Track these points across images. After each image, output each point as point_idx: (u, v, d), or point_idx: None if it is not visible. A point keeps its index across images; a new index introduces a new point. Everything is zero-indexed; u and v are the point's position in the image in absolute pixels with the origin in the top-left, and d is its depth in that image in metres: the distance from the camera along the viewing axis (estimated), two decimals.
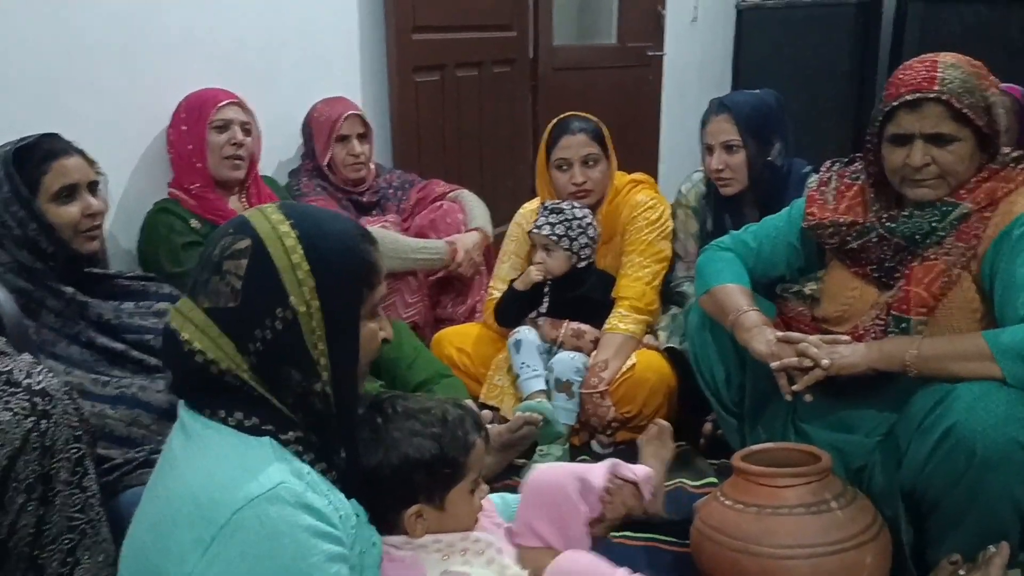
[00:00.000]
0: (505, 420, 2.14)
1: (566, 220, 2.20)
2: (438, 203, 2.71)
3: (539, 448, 2.07)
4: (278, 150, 2.70)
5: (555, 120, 2.35)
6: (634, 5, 4.43)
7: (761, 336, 1.62)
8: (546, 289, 2.27)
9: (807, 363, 1.54)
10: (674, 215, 2.39)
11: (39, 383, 1.28)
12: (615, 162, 2.35)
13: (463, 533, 1.26)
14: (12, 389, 1.25)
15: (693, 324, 1.87)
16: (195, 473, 1.00)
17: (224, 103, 2.22)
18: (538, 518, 1.33)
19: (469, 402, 2.14)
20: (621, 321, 2.21)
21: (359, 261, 1.06)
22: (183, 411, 1.06)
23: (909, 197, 1.58)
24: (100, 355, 1.71)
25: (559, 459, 2.06)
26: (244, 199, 2.32)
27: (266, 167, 2.59)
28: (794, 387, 1.56)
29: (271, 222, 1.04)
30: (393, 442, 1.21)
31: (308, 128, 2.65)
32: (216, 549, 0.95)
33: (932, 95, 1.49)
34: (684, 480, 2.02)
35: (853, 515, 1.42)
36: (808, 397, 1.55)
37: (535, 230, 2.22)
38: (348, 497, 1.10)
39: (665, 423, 1.71)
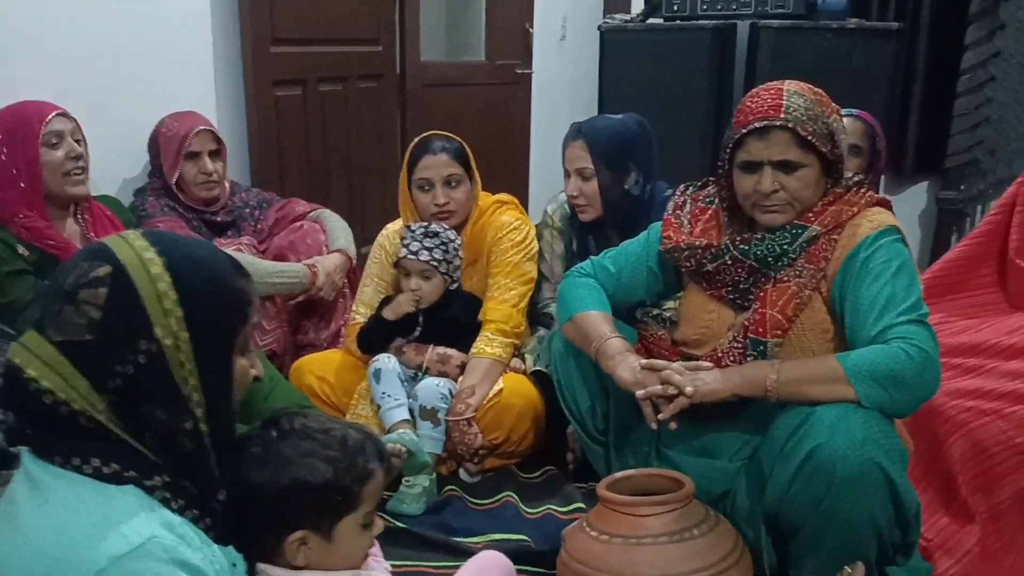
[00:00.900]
0: None
1: (443, 244, 2.14)
2: (298, 223, 2.60)
3: (405, 480, 1.99)
4: (122, 167, 2.53)
5: (416, 140, 2.29)
6: (502, 22, 4.44)
7: (625, 364, 1.61)
8: (420, 317, 2.19)
9: (671, 391, 1.53)
10: (540, 235, 2.37)
11: None
12: (479, 183, 2.32)
13: (351, 573, 1.18)
14: None
15: (557, 352, 1.85)
16: (46, 529, 0.89)
17: (52, 115, 2.03)
18: None
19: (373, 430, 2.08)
20: (488, 345, 2.17)
21: (232, 292, 1.01)
22: (28, 460, 0.94)
23: (759, 222, 1.61)
24: None
25: (427, 489, 1.99)
26: (82, 219, 2.14)
27: (108, 186, 2.43)
28: (660, 416, 1.55)
29: (135, 248, 0.96)
30: (284, 461, 1.13)
31: (155, 144, 2.49)
32: None
33: (779, 123, 1.52)
34: (552, 507, 1.99)
35: (714, 541, 1.42)
36: (673, 425, 1.55)
37: (410, 256, 2.13)
38: (226, 543, 1.02)
39: None
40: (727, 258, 1.62)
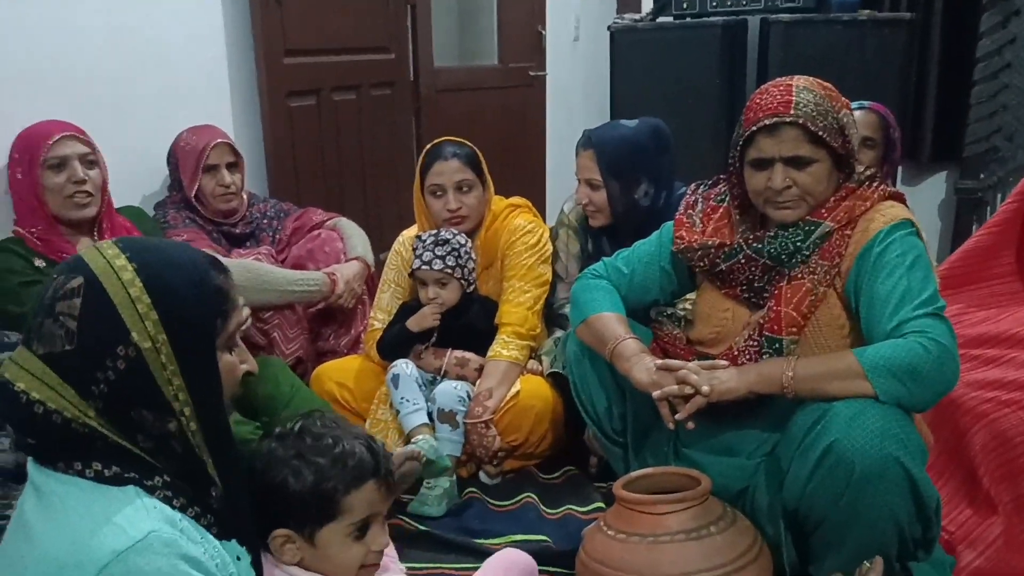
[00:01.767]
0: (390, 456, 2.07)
1: (454, 251, 2.16)
2: (315, 232, 2.63)
3: (425, 482, 2.01)
4: (141, 181, 2.56)
5: (428, 146, 2.31)
6: (514, 25, 4.45)
7: (641, 365, 1.61)
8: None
9: (688, 390, 1.53)
10: (555, 235, 2.38)
11: None
12: (492, 187, 2.33)
13: None
14: None
15: (572, 354, 1.86)
16: (54, 534, 0.92)
17: (57, 137, 2.03)
18: None
19: (391, 446, 2.10)
20: (504, 348, 2.19)
21: (208, 290, 1.01)
22: (33, 470, 0.97)
23: (772, 218, 1.61)
24: None
25: (447, 491, 2.01)
26: (98, 237, 2.15)
27: (128, 200, 2.45)
28: (677, 416, 1.55)
29: (106, 257, 0.98)
30: (273, 461, 1.17)
31: (174, 158, 2.53)
32: None
33: (789, 119, 1.52)
34: (572, 507, 2.00)
35: (733, 538, 1.43)
36: (690, 425, 1.55)
37: (424, 267, 2.16)
38: (228, 538, 1.04)
39: None
40: (741, 257, 1.63)
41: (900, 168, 3.53)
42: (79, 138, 2.06)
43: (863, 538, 1.43)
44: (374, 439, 1.26)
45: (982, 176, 3.69)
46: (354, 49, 3.30)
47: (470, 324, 2.23)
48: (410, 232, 2.41)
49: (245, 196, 2.63)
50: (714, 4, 3.30)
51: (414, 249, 2.20)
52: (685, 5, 3.34)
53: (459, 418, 2.10)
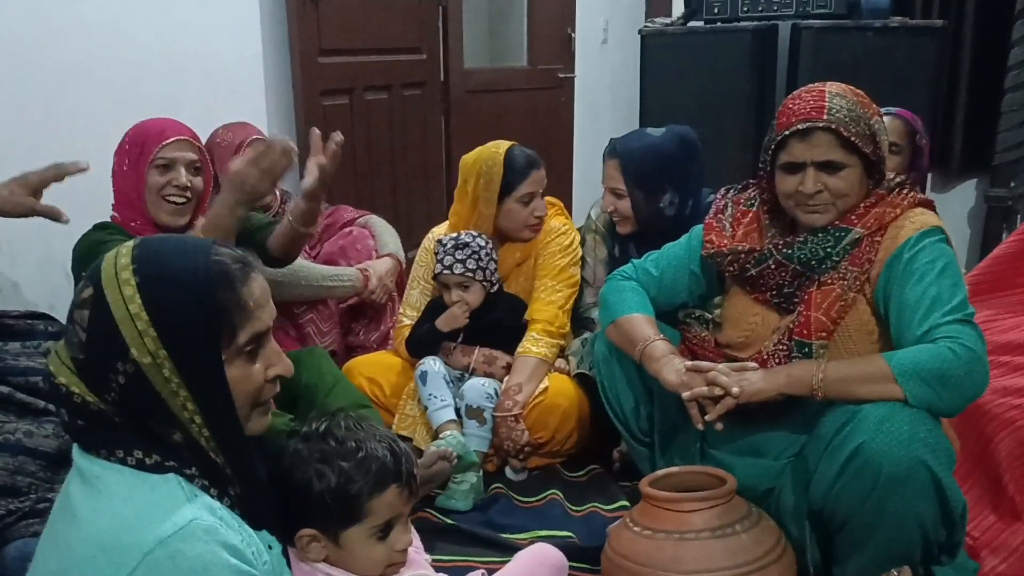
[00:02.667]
0: (419, 450, 2.11)
1: (474, 254, 2.20)
2: (347, 229, 2.67)
3: (453, 477, 2.04)
4: None
5: (513, 153, 2.27)
6: (544, 27, 4.49)
7: (671, 366, 1.64)
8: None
9: (717, 392, 1.55)
10: (583, 240, 2.40)
11: None
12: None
13: None
14: None
15: (600, 354, 1.88)
16: (98, 518, 0.95)
17: (171, 140, 1.96)
18: None
19: (419, 441, 2.12)
20: (534, 345, 2.21)
21: (210, 305, 0.98)
22: (78, 456, 1.01)
23: (802, 222, 1.63)
24: None
25: (474, 486, 2.04)
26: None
27: None
28: (706, 417, 1.57)
29: (116, 267, 0.98)
30: (301, 461, 1.18)
31: (209, 154, 2.57)
32: None
33: (821, 124, 1.54)
34: (597, 504, 2.03)
35: (758, 537, 1.44)
36: (719, 426, 1.57)
37: (445, 272, 2.19)
38: (258, 528, 1.07)
39: None
40: (770, 262, 1.64)
41: (930, 176, 3.52)
42: (191, 143, 2.01)
43: (888, 540, 1.44)
44: (398, 441, 1.27)
45: (1012, 185, 3.67)
46: (386, 50, 3.35)
47: (497, 322, 2.26)
48: (439, 230, 2.44)
49: (278, 192, 2.67)
50: (745, 9, 3.31)
51: (435, 253, 2.24)
52: (716, 9, 3.35)
53: (486, 414, 2.13)
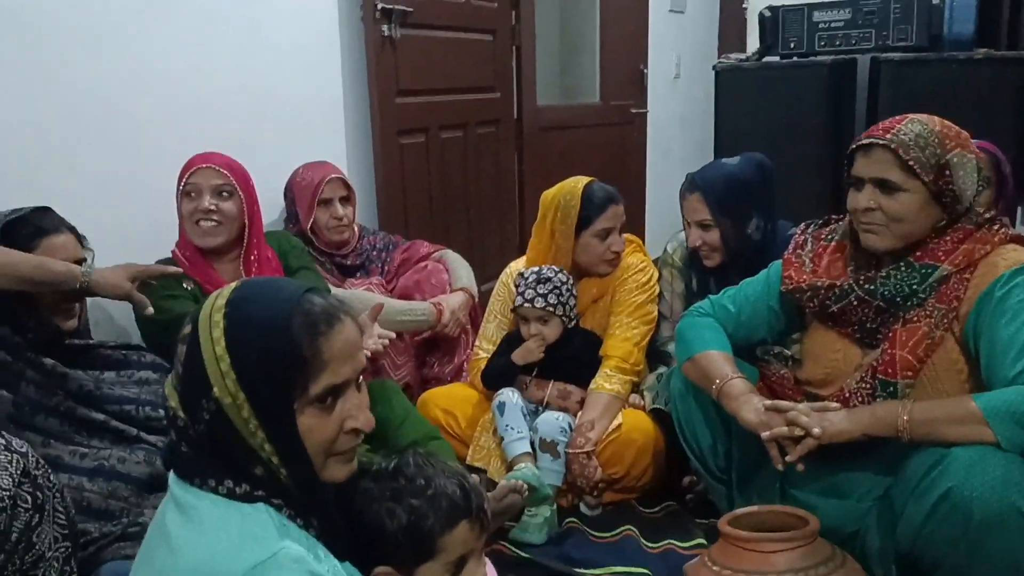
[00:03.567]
0: (493, 482, 2.11)
1: (556, 288, 2.21)
2: (423, 264, 2.72)
3: (527, 510, 2.04)
4: (267, 217, 2.71)
5: (591, 187, 2.31)
6: (616, 64, 4.52)
7: (749, 405, 1.61)
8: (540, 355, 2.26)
9: (798, 432, 1.53)
10: (660, 275, 2.40)
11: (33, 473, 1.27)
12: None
13: None
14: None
15: (677, 390, 1.86)
16: (193, 546, 0.99)
17: (196, 168, 2.13)
18: None
19: (493, 473, 2.13)
20: (607, 381, 2.21)
21: (284, 350, 1.01)
22: (174, 484, 1.05)
23: (861, 244, 1.61)
24: (79, 425, 1.70)
25: (547, 520, 2.04)
26: (242, 267, 2.23)
27: None
28: (787, 458, 1.54)
29: (212, 308, 1.04)
30: (372, 500, 1.20)
31: (290, 193, 2.67)
32: None
33: (882, 141, 1.54)
34: (673, 541, 2.00)
35: None
36: (800, 467, 1.54)
37: (526, 305, 2.21)
38: (341, 559, 1.09)
39: None
40: (852, 298, 1.61)
41: (1020, 209, 3.40)
42: (216, 169, 2.14)
43: None
44: (468, 477, 1.28)
45: None
46: (461, 89, 3.42)
47: (573, 357, 2.27)
48: (517, 264, 2.47)
49: (357, 228, 2.75)
50: (822, 43, 3.28)
51: (516, 286, 2.26)
52: (792, 44, 3.32)
53: (560, 448, 2.12)
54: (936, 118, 1.59)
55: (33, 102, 2.02)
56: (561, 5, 4.65)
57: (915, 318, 1.57)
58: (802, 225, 1.81)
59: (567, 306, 2.23)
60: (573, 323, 2.27)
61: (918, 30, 3.11)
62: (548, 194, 2.35)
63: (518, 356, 2.24)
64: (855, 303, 1.61)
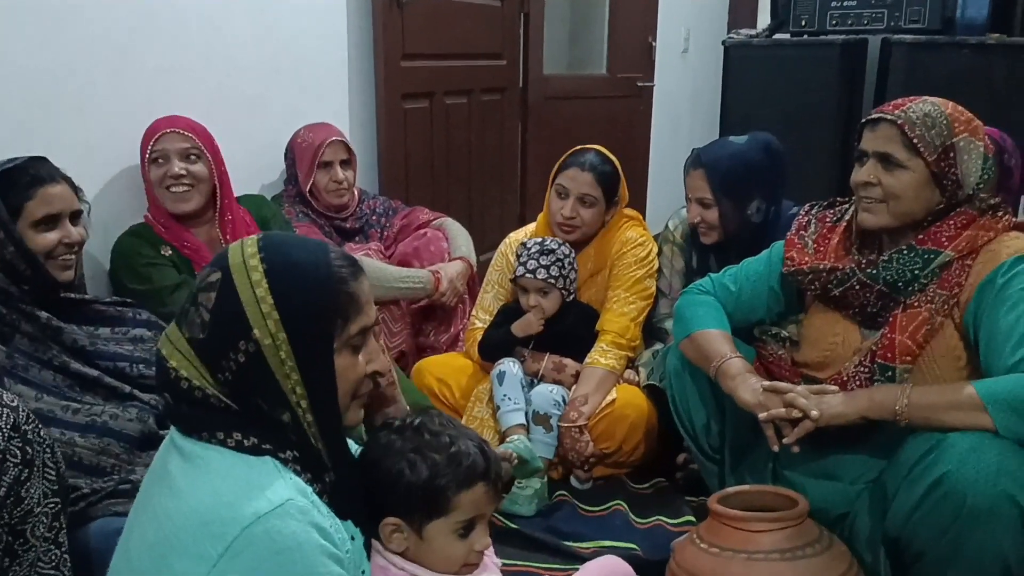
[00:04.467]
0: None
1: (558, 261, 2.20)
2: (422, 231, 2.71)
3: (517, 482, 2.05)
4: (264, 174, 2.70)
5: (578, 147, 2.32)
6: (624, 35, 4.47)
7: (747, 385, 1.61)
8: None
9: (795, 414, 1.53)
10: (660, 251, 2.38)
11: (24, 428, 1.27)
12: (623, 203, 2.36)
13: None
14: None
15: (672, 368, 1.86)
16: (199, 493, 1.00)
17: (160, 133, 2.13)
18: None
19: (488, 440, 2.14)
20: (603, 356, 2.21)
21: (329, 292, 1.05)
22: (178, 437, 1.06)
23: (859, 223, 1.61)
24: (72, 380, 1.69)
25: (538, 492, 2.04)
26: (217, 228, 2.24)
27: (252, 191, 2.58)
28: (784, 440, 1.54)
29: (244, 255, 1.05)
30: (392, 452, 1.21)
31: (291, 154, 2.64)
32: (223, 566, 0.95)
33: (890, 117, 1.54)
34: (662, 518, 2.00)
35: (828, 562, 1.41)
36: (795, 448, 1.54)
37: (528, 275, 2.20)
38: (343, 519, 1.10)
39: None
40: (854, 282, 1.60)
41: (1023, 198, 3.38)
42: (181, 134, 2.14)
43: (966, 574, 1.39)
44: (487, 443, 1.30)
45: None
46: (468, 55, 3.39)
47: (569, 330, 2.26)
48: (517, 235, 2.45)
49: (356, 192, 2.73)
50: (834, 22, 3.23)
51: (518, 256, 2.25)
52: (804, 22, 3.28)
53: (553, 421, 2.13)
54: (950, 102, 1.58)
55: (45, 47, 2.00)
56: None
57: (916, 303, 1.56)
58: (806, 206, 1.79)
59: (568, 279, 2.22)
60: (572, 297, 2.27)
61: (931, 12, 3.07)
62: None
63: (518, 328, 2.23)
64: (857, 287, 1.60)
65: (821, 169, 3.08)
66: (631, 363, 2.28)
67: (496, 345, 2.27)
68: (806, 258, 1.68)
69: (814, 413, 1.50)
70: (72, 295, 1.80)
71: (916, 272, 1.55)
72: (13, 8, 1.92)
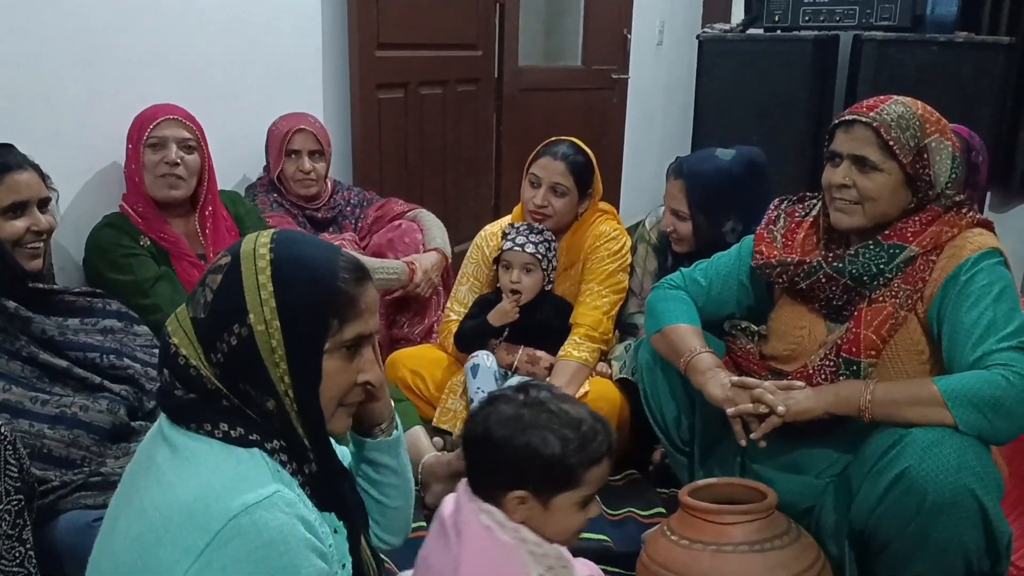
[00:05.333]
0: (458, 445, 2.12)
1: (545, 241, 2.22)
2: (396, 222, 2.70)
3: None
4: (241, 166, 2.68)
5: (553, 138, 2.34)
6: (600, 28, 4.48)
7: (716, 380, 1.63)
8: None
9: (763, 409, 1.55)
10: (634, 249, 2.39)
11: None
12: (597, 196, 2.37)
13: (561, 553, 1.26)
14: None
15: (644, 362, 1.87)
16: (188, 484, 1.00)
17: (161, 119, 2.12)
18: None
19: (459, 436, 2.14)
20: (576, 349, 2.22)
21: (328, 290, 1.06)
22: (166, 427, 1.06)
23: (832, 223, 1.62)
24: (41, 371, 1.68)
25: None
26: (196, 221, 2.23)
27: (228, 183, 2.56)
28: (752, 435, 1.56)
29: (256, 244, 1.07)
30: (523, 426, 1.23)
31: (267, 141, 2.63)
32: (208, 556, 0.95)
33: (865, 119, 1.55)
34: (634, 510, 2.03)
35: (796, 554, 1.43)
36: (762, 443, 1.56)
37: (516, 248, 2.20)
38: (326, 511, 1.11)
39: None
40: (821, 275, 1.62)
41: (989, 194, 3.44)
42: (182, 122, 2.14)
43: (929, 568, 1.42)
44: (604, 419, 1.32)
45: None
46: (443, 45, 3.38)
47: (543, 322, 2.27)
48: (492, 227, 2.46)
49: (329, 183, 2.71)
50: (806, 18, 3.27)
51: (505, 235, 2.25)
52: (777, 17, 3.31)
53: None
54: (919, 102, 1.60)
55: (16, 34, 1.97)
56: None
57: (880, 298, 1.58)
58: (775, 201, 1.81)
59: (551, 262, 2.23)
60: (550, 286, 2.28)
61: (901, 10, 3.12)
62: None
63: (494, 317, 2.24)
64: (823, 280, 1.62)
65: (792, 162, 3.11)
66: (604, 356, 2.29)
67: (473, 335, 2.28)
68: (775, 251, 1.70)
69: (780, 409, 1.52)
70: (41, 285, 1.78)
71: (881, 267, 1.57)
72: None
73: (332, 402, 1.10)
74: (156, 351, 1.84)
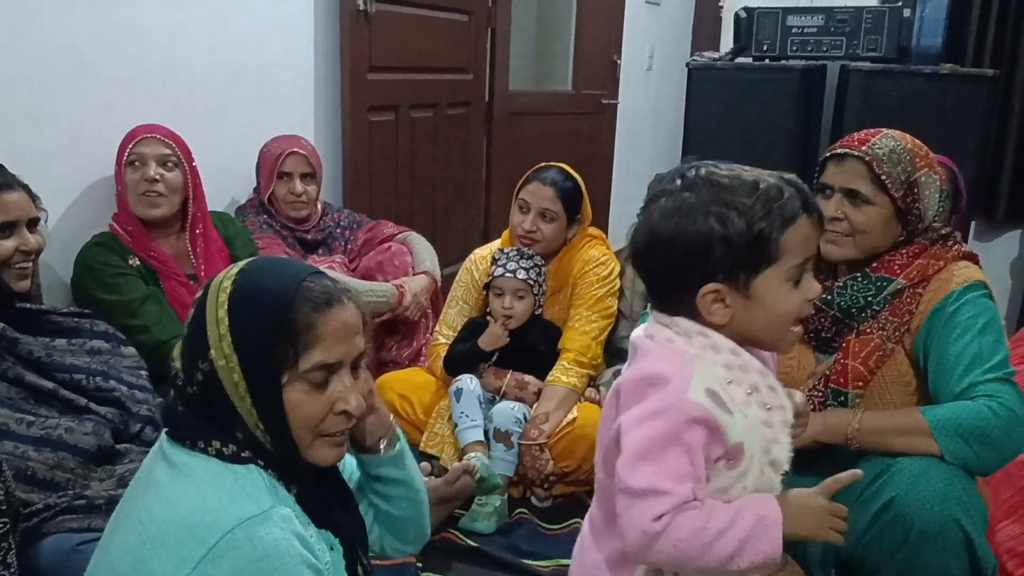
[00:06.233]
0: (445, 469, 2.12)
1: (536, 267, 2.23)
2: (386, 245, 2.70)
3: (477, 499, 2.05)
4: (230, 187, 2.67)
5: (542, 164, 2.36)
6: (590, 53, 4.52)
7: None
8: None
9: None
10: (623, 272, 2.40)
11: None
12: (587, 221, 2.38)
13: (764, 373, 1.07)
14: None
15: None
16: (186, 498, 1.01)
17: (140, 137, 2.13)
18: None
19: (446, 460, 2.12)
20: (564, 374, 2.22)
21: (279, 320, 1.02)
22: (166, 444, 1.08)
23: (822, 254, 1.63)
24: (27, 393, 1.66)
25: (497, 509, 2.05)
26: (187, 240, 2.23)
27: (217, 204, 2.55)
28: None
29: (225, 276, 1.08)
30: (690, 211, 1.04)
31: (258, 163, 2.63)
32: (204, 569, 0.95)
33: (857, 153, 1.57)
34: None
35: None
36: None
37: (507, 275, 2.21)
38: (321, 528, 1.10)
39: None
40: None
41: (973, 224, 3.49)
42: (161, 140, 2.14)
43: None
44: (792, 178, 1.10)
45: None
46: (434, 68, 3.40)
47: (532, 347, 2.28)
48: (482, 251, 2.46)
49: (320, 206, 2.72)
50: (794, 48, 3.31)
51: (495, 260, 2.26)
52: (765, 47, 3.35)
53: (514, 439, 2.14)
54: (908, 136, 1.62)
55: (4, 54, 1.96)
56: None
57: (868, 330, 1.60)
58: None
59: (541, 288, 2.25)
60: (539, 311, 2.28)
61: (887, 42, 3.17)
62: None
63: (484, 341, 2.24)
64: (812, 311, 1.63)
65: None
66: (592, 382, 2.30)
67: (462, 359, 2.28)
68: None
69: None
70: (28, 305, 1.77)
71: (869, 299, 1.59)
72: None
73: (306, 432, 1.06)
74: (143, 372, 1.84)
